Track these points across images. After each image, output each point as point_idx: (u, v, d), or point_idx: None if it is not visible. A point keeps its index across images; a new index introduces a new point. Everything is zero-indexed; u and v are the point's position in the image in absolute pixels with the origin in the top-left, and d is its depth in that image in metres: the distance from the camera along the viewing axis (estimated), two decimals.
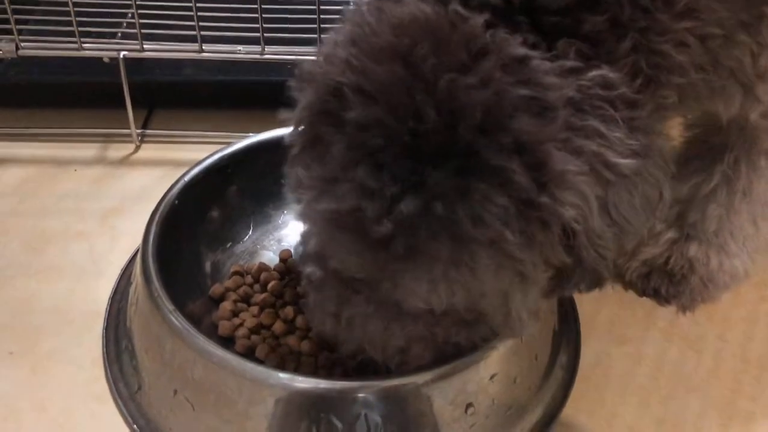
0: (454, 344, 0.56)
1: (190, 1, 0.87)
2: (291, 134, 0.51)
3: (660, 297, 0.76)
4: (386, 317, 0.53)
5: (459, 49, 0.45)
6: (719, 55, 0.52)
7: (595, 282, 0.52)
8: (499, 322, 0.53)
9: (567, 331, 0.71)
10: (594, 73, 0.47)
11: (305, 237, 0.53)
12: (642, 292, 0.77)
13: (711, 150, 0.70)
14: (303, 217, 0.51)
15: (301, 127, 0.50)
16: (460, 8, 0.47)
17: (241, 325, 0.67)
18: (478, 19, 0.47)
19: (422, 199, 0.44)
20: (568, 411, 0.66)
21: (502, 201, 0.44)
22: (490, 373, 0.60)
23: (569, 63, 0.47)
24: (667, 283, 0.75)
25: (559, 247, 0.47)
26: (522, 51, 0.46)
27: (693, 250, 0.74)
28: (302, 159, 0.49)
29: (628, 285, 0.77)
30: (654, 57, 0.49)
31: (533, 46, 0.47)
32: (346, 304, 0.53)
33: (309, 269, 0.55)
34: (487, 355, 0.59)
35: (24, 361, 0.69)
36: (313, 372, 0.64)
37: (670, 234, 0.76)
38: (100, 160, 0.92)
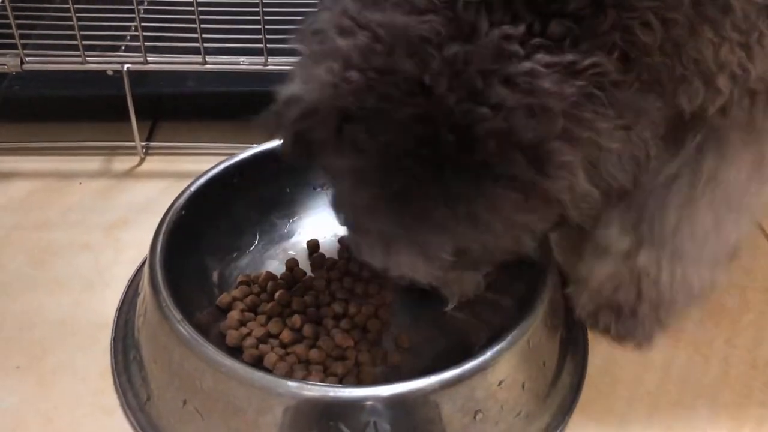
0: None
1: (193, 14, 0.87)
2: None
3: (612, 336, 0.72)
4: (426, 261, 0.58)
5: (473, 77, 0.49)
6: (681, 44, 0.53)
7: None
8: (511, 249, 0.59)
9: (574, 337, 0.71)
10: (589, 61, 0.50)
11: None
12: (595, 332, 0.72)
13: (674, 140, 0.65)
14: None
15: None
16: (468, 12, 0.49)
17: (248, 334, 0.67)
18: (484, 24, 0.49)
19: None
20: (576, 417, 0.66)
21: (515, 196, 0.51)
22: (498, 379, 0.60)
23: (568, 57, 0.50)
24: (615, 319, 0.71)
25: (555, 209, 0.54)
26: (528, 66, 0.49)
27: (643, 259, 0.69)
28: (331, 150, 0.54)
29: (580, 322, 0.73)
30: (625, 33, 0.51)
31: (530, 30, 0.50)
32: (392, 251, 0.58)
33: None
34: (495, 361, 0.59)
35: (30, 374, 0.69)
36: (322, 380, 0.64)
37: (623, 244, 0.70)
38: (104, 173, 0.93)
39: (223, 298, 0.71)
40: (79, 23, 0.87)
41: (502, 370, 0.60)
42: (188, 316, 0.62)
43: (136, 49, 0.91)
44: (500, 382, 0.60)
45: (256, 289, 0.72)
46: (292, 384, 0.57)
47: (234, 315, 0.69)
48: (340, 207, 0.59)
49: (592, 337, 0.72)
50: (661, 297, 0.70)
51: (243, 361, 0.63)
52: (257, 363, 0.65)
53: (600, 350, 0.72)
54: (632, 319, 0.71)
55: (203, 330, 0.63)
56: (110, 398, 0.66)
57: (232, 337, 0.67)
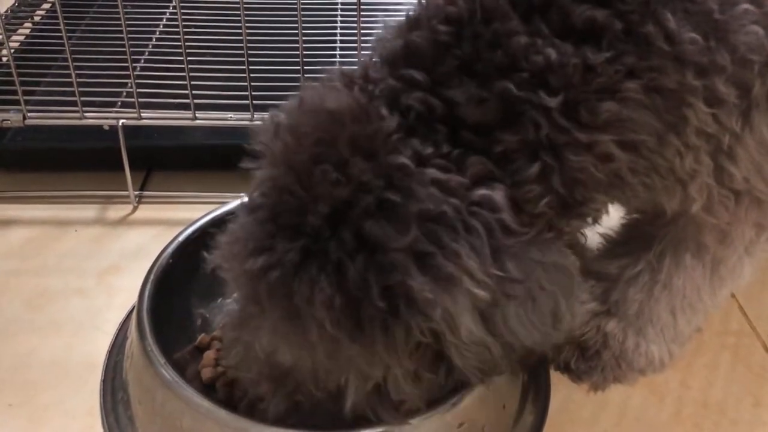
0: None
1: (184, 71, 0.92)
2: None
3: (570, 372, 0.75)
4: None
5: (345, 146, 0.48)
6: (654, 157, 0.53)
7: (481, 379, 0.55)
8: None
9: (536, 380, 0.73)
10: (480, 192, 0.48)
11: None
12: (554, 366, 0.75)
13: (642, 237, 0.70)
14: None
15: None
16: (383, 110, 0.50)
17: (223, 374, 0.70)
18: (392, 121, 0.49)
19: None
20: None
21: (329, 291, 0.47)
22: (458, 421, 0.62)
23: (459, 179, 0.48)
24: (578, 357, 0.74)
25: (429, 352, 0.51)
26: (402, 160, 0.48)
27: (611, 326, 0.73)
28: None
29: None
30: (573, 174, 0.50)
31: (443, 157, 0.49)
32: None
33: None
34: (455, 404, 0.61)
35: (22, 412, 0.72)
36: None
37: (592, 305, 0.74)
38: (99, 221, 0.96)
39: (203, 339, 0.74)
40: (78, 80, 0.92)
41: (461, 412, 0.62)
42: (171, 358, 0.65)
43: (131, 105, 0.96)
44: (460, 425, 0.62)
45: None
46: (266, 427, 0.60)
47: (210, 354, 0.72)
48: None
49: (553, 377, 0.75)
50: (625, 354, 0.74)
51: (219, 400, 0.66)
52: (229, 400, 0.68)
53: (560, 389, 0.75)
54: (595, 359, 0.74)
55: (182, 368, 0.66)
56: None
57: (206, 374, 0.70)
